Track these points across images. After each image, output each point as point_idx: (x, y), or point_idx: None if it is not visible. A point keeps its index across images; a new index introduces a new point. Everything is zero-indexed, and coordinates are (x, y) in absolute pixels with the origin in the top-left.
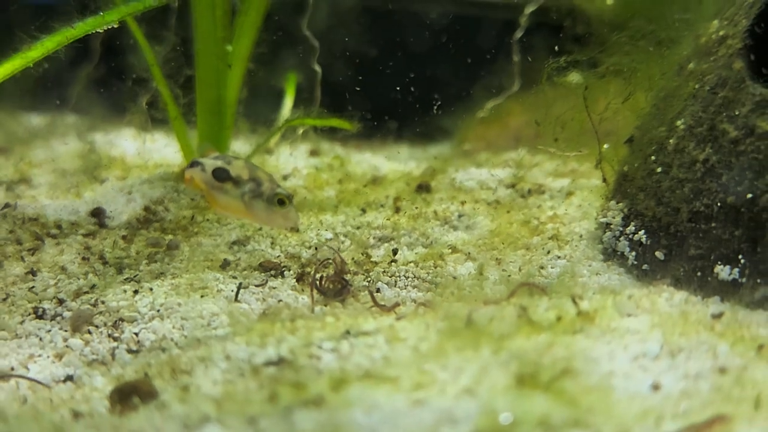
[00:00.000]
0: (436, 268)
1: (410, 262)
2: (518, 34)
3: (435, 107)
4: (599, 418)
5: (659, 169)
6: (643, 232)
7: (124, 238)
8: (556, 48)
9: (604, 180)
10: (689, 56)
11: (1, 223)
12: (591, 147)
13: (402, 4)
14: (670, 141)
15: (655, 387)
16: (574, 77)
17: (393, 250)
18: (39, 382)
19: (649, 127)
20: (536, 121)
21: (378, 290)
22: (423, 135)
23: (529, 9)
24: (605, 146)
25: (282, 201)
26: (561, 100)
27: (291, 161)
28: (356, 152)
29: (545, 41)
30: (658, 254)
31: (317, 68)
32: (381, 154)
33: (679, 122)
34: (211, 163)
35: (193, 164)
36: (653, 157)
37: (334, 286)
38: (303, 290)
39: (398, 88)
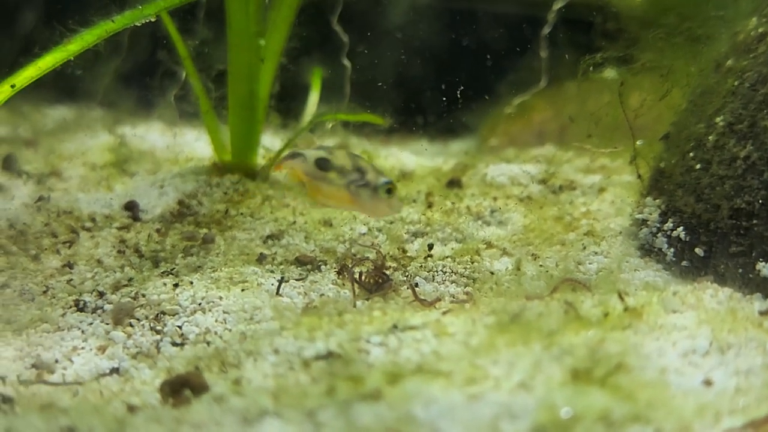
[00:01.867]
0: (472, 263)
1: (446, 257)
2: (546, 30)
3: (458, 102)
4: (659, 414)
5: (698, 166)
6: (681, 228)
7: (158, 231)
8: (586, 44)
9: (639, 176)
10: (727, 53)
11: (36, 216)
12: (624, 143)
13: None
14: (710, 138)
15: (707, 383)
16: (610, 73)
17: (429, 245)
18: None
19: (686, 123)
20: (570, 117)
21: (417, 285)
22: (444, 131)
23: (558, 4)
24: (639, 142)
25: (389, 190)
26: (592, 95)
27: None
28: (383, 147)
29: (574, 37)
30: (698, 251)
31: (347, 63)
32: (406, 149)
33: (718, 119)
34: (312, 153)
35: (293, 155)
36: (691, 154)
37: (375, 280)
38: (344, 284)
39: (422, 84)
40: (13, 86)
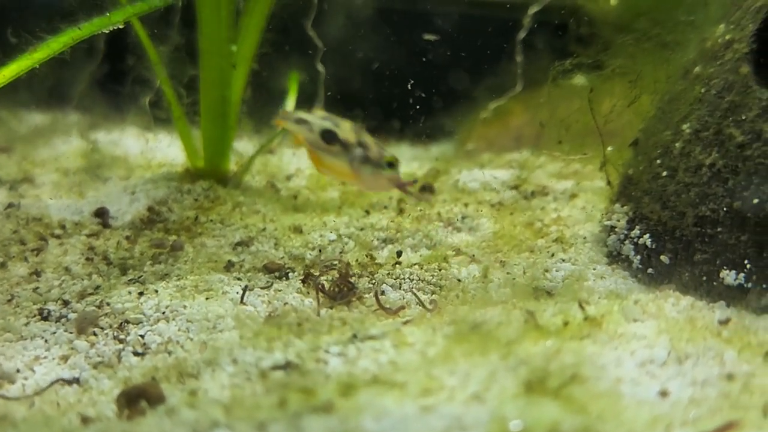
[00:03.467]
0: (440, 270)
1: (414, 264)
2: (521, 34)
3: (437, 107)
4: (609, 426)
5: (665, 173)
6: (648, 235)
7: (127, 238)
8: (560, 48)
9: (608, 183)
10: (695, 60)
11: (5, 223)
12: (595, 149)
13: (405, 4)
14: (676, 145)
15: (663, 394)
16: (579, 80)
17: (397, 252)
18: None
19: (654, 130)
20: (541, 123)
21: (383, 292)
22: (424, 134)
23: (533, 9)
24: (609, 149)
25: (391, 163)
26: (564, 100)
27: (294, 161)
28: None
29: (548, 41)
30: (664, 258)
31: (320, 68)
32: None
33: (685, 126)
34: (318, 123)
35: (299, 121)
36: (658, 161)
37: (339, 289)
38: (308, 293)
39: (400, 88)
40: None
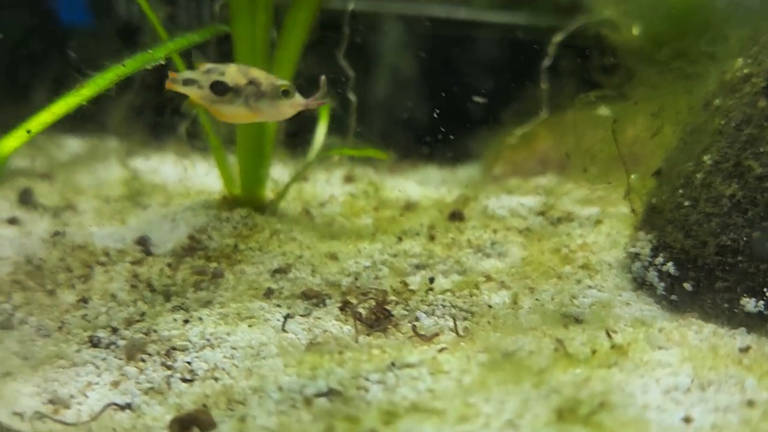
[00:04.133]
0: (471, 296)
1: (447, 291)
2: (546, 62)
3: (464, 130)
4: None
5: (687, 203)
6: (671, 263)
7: (169, 265)
8: (583, 75)
9: (633, 210)
10: (715, 92)
11: (53, 251)
12: (619, 176)
13: (432, 28)
14: (698, 175)
15: (687, 420)
16: (603, 111)
17: (430, 278)
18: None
19: (676, 160)
20: (567, 153)
21: (417, 319)
22: (452, 157)
23: (557, 37)
24: (633, 176)
25: (286, 91)
26: (589, 127)
27: (327, 188)
28: (389, 175)
29: (573, 68)
30: (687, 286)
31: (352, 97)
32: (412, 177)
33: (706, 157)
34: (205, 78)
35: (186, 82)
36: (681, 191)
37: (377, 316)
38: (346, 320)
39: (428, 111)
40: (29, 131)
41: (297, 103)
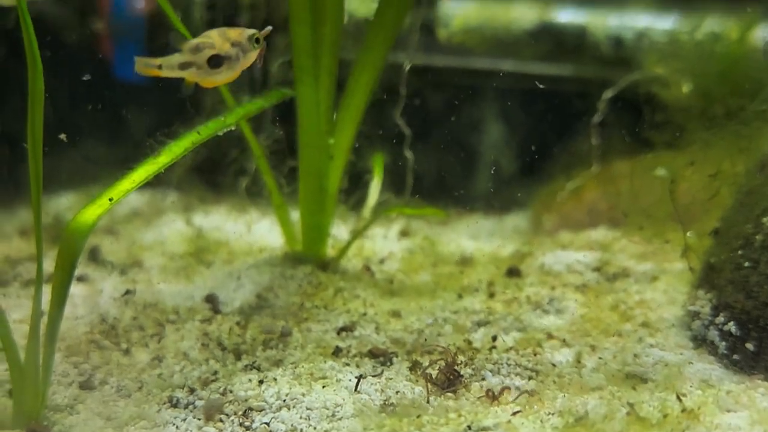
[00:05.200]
0: (535, 355)
1: (510, 349)
2: (596, 118)
3: (510, 177)
4: None
5: (747, 264)
6: (732, 323)
7: (238, 324)
8: (632, 129)
9: (691, 269)
10: None
11: (125, 310)
12: (675, 233)
13: (481, 79)
14: (757, 237)
15: None
16: (660, 171)
17: (493, 336)
18: None
19: (734, 221)
20: (623, 212)
21: (483, 378)
22: (498, 206)
23: (607, 94)
24: (689, 234)
25: (258, 39)
26: (644, 183)
27: (385, 244)
28: (440, 227)
29: (622, 123)
30: (749, 346)
31: (408, 155)
32: (461, 228)
33: (765, 219)
34: (199, 57)
35: (183, 66)
36: (740, 252)
37: (446, 377)
38: (417, 381)
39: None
40: (111, 199)
41: (261, 52)
